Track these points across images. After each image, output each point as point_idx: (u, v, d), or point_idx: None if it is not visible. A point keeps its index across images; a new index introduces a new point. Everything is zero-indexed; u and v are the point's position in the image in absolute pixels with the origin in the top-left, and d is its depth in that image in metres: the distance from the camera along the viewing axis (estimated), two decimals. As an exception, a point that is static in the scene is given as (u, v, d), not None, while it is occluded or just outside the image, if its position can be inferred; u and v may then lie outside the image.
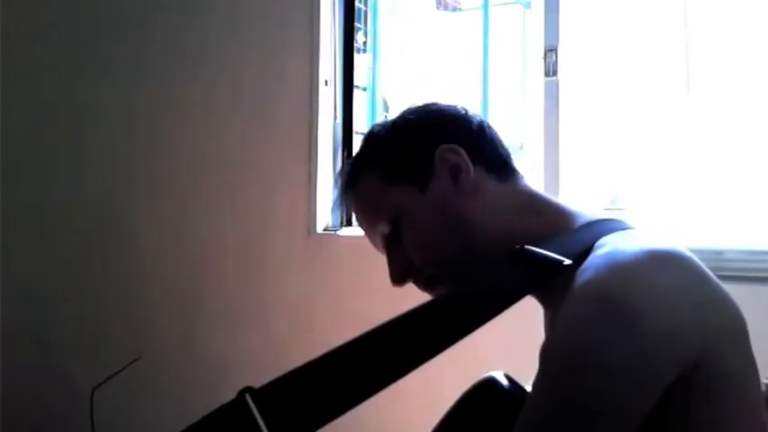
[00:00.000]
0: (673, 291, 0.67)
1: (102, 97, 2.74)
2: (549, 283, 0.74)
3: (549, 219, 0.83)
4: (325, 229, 2.38)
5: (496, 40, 2.59)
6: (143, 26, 2.68)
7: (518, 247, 0.76)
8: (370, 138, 0.92)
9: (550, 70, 2.04)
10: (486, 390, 0.81)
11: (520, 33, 2.79)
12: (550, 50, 2.05)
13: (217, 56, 2.55)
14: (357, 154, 0.93)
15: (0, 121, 2.85)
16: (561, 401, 0.65)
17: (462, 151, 0.85)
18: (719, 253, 1.76)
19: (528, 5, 2.79)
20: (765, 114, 1.97)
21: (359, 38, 2.56)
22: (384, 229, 0.87)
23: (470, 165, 0.85)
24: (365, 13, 2.62)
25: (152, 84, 2.65)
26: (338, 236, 2.35)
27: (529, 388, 0.81)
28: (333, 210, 1.02)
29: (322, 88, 2.38)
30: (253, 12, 2.49)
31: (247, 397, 0.65)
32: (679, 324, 0.66)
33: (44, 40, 2.85)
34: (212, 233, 2.54)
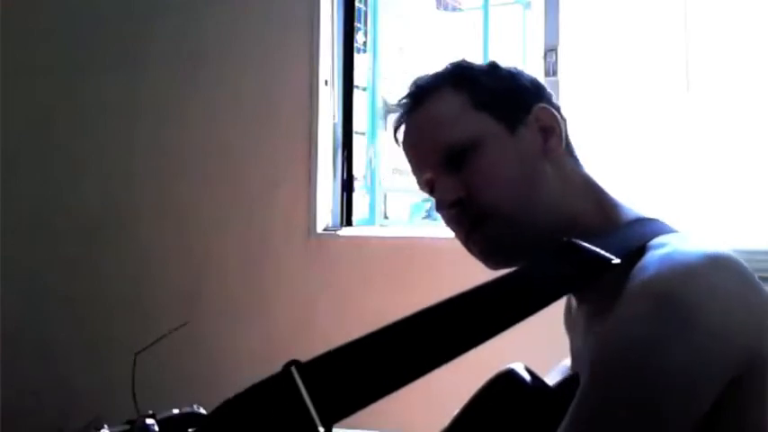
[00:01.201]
0: (730, 295, 0.68)
1: (103, 97, 2.73)
2: (596, 280, 0.74)
3: (602, 209, 0.83)
4: (325, 229, 2.38)
5: (496, 40, 2.59)
6: (143, 26, 2.68)
7: (566, 240, 0.76)
8: (463, 64, 0.89)
9: (550, 70, 2.05)
10: (505, 381, 0.80)
11: (520, 33, 2.79)
12: (550, 50, 2.05)
13: (217, 55, 2.55)
14: (440, 73, 0.89)
15: (0, 120, 2.85)
16: (617, 401, 0.65)
17: (560, 118, 0.86)
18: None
19: (528, 5, 2.79)
20: (765, 114, 1.97)
21: (359, 38, 2.56)
22: (450, 148, 0.83)
23: (564, 133, 0.85)
24: (365, 13, 2.62)
25: (152, 84, 2.65)
26: (338, 236, 2.35)
27: (547, 380, 0.81)
28: (384, 113, 0.95)
29: (322, 88, 2.38)
30: (253, 12, 2.49)
31: (293, 370, 0.64)
32: (735, 328, 0.66)
33: (44, 40, 2.85)
34: (213, 233, 2.54)
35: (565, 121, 0.88)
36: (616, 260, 0.72)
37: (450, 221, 0.85)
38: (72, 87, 2.79)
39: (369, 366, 0.66)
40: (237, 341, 2.43)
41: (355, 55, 2.48)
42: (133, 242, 2.67)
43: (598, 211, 0.83)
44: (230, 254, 2.51)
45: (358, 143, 2.51)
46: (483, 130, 0.82)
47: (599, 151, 2.26)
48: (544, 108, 0.86)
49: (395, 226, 2.72)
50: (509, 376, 0.80)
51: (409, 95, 0.89)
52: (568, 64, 2.07)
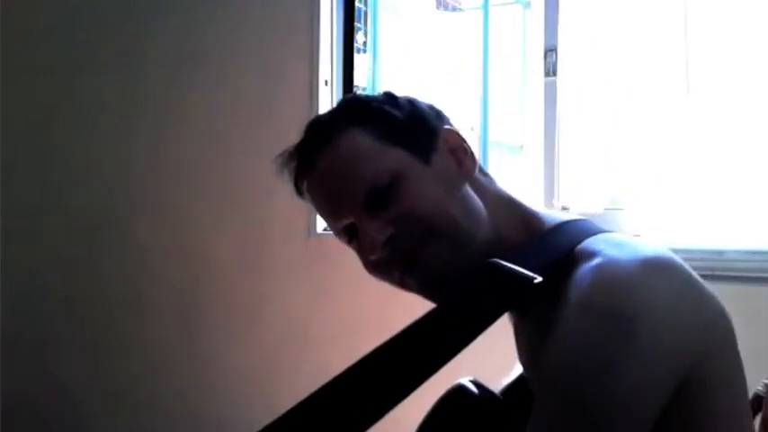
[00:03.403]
0: (672, 303, 0.67)
1: (102, 97, 2.74)
2: (526, 301, 0.73)
3: (524, 221, 0.82)
4: (325, 229, 2.37)
5: (496, 40, 2.59)
6: (143, 26, 2.68)
7: (488, 261, 0.74)
8: (360, 98, 0.85)
9: (550, 70, 2.05)
10: (456, 398, 0.81)
11: (520, 33, 2.78)
12: (550, 50, 2.05)
13: (217, 56, 2.55)
14: (337, 112, 0.85)
15: (0, 120, 2.85)
16: (566, 419, 0.64)
17: (466, 138, 0.83)
18: (719, 253, 1.75)
19: (528, 5, 2.78)
20: (765, 115, 1.97)
21: (359, 38, 2.56)
22: (372, 187, 0.77)
23: (473, 152, 0.83)
24: (365, 13, 2.62)
25: (152, 84, 2.65)
26: (338, 236, 2.35)
27: (496, 390, 0.83)
28: (280, 165, 0.90)
29: (322, 88, 2.38)
30: (253, 12, 2.49)
31: None
32: (678, 332, 0.66)
33: (44, 40, 2.85)
34: (212, 233, 2.54)
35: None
36: (538, 279, 0.71)
37: (379, 265, 0.80)
38: (72, 87, 2.79)
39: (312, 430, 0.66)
40: (237, 340, 2.43)
41: (355, 55, 2.48)
42: (132, 242, 2.67)
43: (521, 225, 0.81)
44: (229, 254, 2.51)
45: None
46: (402, 164, 0.78)
47: (598, 152, 2.26)
48: (451, 130, 0.83)
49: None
50: (458, 392, 0.81)
51: (310, 140, 0.84)
52: (568, 64, 2.07)
